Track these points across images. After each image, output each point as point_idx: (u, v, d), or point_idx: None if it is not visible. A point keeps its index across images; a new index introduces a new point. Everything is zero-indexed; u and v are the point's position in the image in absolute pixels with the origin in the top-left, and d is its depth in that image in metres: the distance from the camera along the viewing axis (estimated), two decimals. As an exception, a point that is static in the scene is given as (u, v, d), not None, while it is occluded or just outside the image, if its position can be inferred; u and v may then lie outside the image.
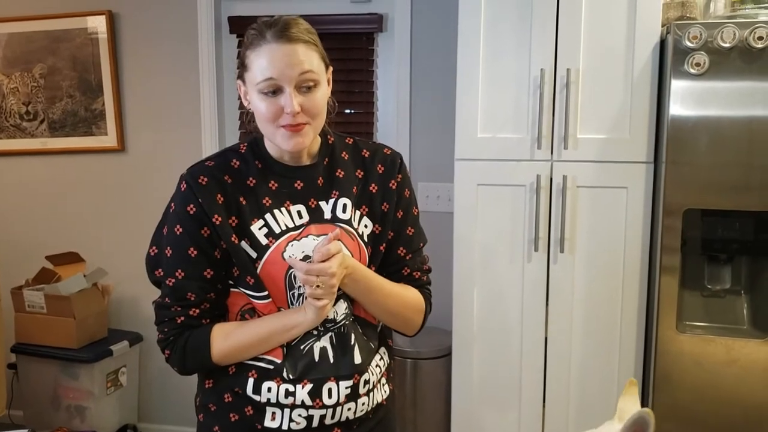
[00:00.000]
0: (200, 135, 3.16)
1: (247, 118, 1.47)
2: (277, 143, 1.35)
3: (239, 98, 3.17)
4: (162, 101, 3.22)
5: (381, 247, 1.46)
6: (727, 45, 2.00)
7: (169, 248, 1.36)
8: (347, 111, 3.10)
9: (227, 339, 1.36)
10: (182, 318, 1.36)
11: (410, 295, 1.48)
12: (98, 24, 3.20)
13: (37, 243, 3.37)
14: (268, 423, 1.37)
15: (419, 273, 1.52)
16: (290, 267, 1.34)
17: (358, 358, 1.40)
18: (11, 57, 3.33)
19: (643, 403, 2.29)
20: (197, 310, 1.36)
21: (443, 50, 2.86)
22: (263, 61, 1.28)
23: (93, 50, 3.23)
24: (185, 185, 1.36)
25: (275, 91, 1.29)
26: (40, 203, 3.43)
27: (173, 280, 1.36)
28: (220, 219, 1.34)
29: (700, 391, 2.15)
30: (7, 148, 3.40)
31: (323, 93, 1.34)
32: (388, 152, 1.51)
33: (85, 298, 3.05)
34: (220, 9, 3.14)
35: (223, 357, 1.37)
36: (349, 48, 3.04)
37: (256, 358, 1.38)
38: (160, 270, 1.38)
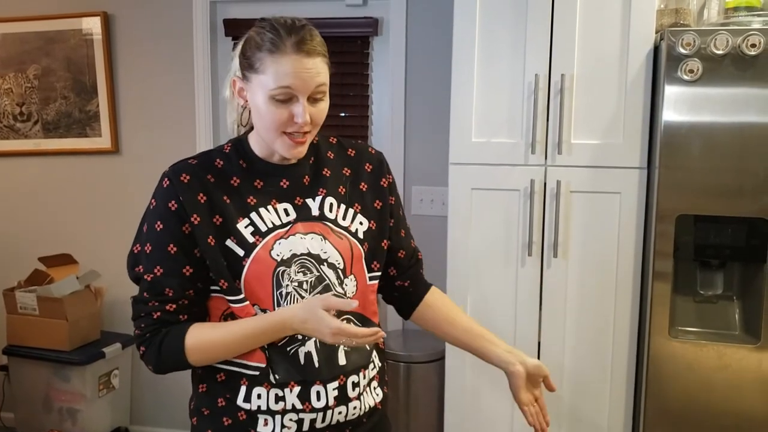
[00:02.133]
0: (194, 137, 3.17)
1: (242, 113, 1.46)
2: (276, 148, 1.35)
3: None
4: (157, 103, 3.22)
5: (383, 244, 1.49)
6: (720, 52, 2.01)
7: (148, 244, 1.36)
8: (342, 114, 3.10)
9: (203, 341, 1.34)
10: (159, 313, 1.35)
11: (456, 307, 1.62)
12: (93, 25, 3.20)
13: (30, 244, 3.36)
14: (261, 428, 1.37)
15: (422, 270, 1.63)
16: (278, 265, 1.34)
17: (342, 360, 1.39)
18: (5, 57, 3.32)
19: (635, 409, 2.29)
20: (174, 306, 1.35)
21: (438, 54, 2.87)
22: (282, 70, 1.28)
23: (88, 51, 3.22)
24: (167, 181, 1.35)
25: (288, 99, 1.30)
26: (33, 204, 3.42)
27: (151, 276, 1.35)
28: (199, 219, 1.33)
29: (692, 397, 2.16)
30: (1, 149, 3.39)
31: (327, 103, 1.36)
32: (373, 152, 1.55)
33: (77, 300, 3.04)
34: (215, 11, 3.14)
35: (199, 359, 1.35)
36: (344, 51, 3.04)
37: (241, 365, 1.37)
38: (140, 266, 1.38)
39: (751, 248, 2.14)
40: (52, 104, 3.30)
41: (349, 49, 3.04)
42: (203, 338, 1.34)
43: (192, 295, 1.36)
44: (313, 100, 1.32)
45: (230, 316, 1.38)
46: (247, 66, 1.34)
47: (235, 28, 3.10)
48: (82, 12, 3.21)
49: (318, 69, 1.30)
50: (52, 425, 3.08)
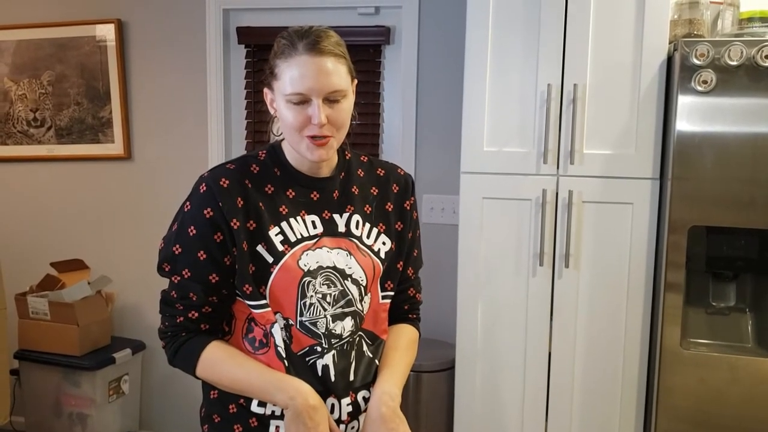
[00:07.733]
0: (207, 144, 3.17)
1: (271, 124, 1.49)
2: (301, 152, 1.36)
3: (246, 108, 3.20)
4: (169, 110, 3.23)
5: (398, 265, 1.50)
6: (734, 63, 2.01)
7: (178, 246, 1.36)
8: (353, 122, 3.10)
9: (213, 368, 1.37)
10: (181, 318, 1.38)
11: (413, 345, 1.56)
12: (107, 32, 3.22)
13: (42, 249, 3.38)
14: (271, 435, 1.38)
15: (420, 295, 1.60)
16: (305, 275, 1.36)
17: (351, 376, 1.41)
18: (20, 64, 3.35)
19: (646, 421, 2.28)
20: (196, 314, 1.37)
21: (450, 63, 2.87)
22: (294, 72, 1.29)
23: (101, 58, 3.24)
24: (205, 187, 1.36)
25: (304, 101, 1.31)
26: (45, 210, 3.44)
27: (179, 278, 1.37)
28: (238, 224, 1.34)
29: (704, 409, 2.14)
30: (14, 155, 3.41)
31: (349, 105, 1.36)
32: (402, 173, 1.55)
33: (88, 305, 3.05)
34: (228, 19, 3.15)
35: (205, 377, 1.40)
36: (356, 60, 3.01)
37: None
38: (167, 265, 1.39)
39: (764, 260, 2.14)
40: (66, 110, 3.32)
41: (361, 57, 3.04)
42: (217, 363, 1.37)
43: (215, 301, 1.38)
44: (329, 101, 1.32)
45: (252, 320, 1.39)
46: (269, 74, 1.36)
47: (248, 36, 3.11)
48: (96, 19, 3.23)
49: (331, 68, 1.30)
50: (62, 430, 3.09)
